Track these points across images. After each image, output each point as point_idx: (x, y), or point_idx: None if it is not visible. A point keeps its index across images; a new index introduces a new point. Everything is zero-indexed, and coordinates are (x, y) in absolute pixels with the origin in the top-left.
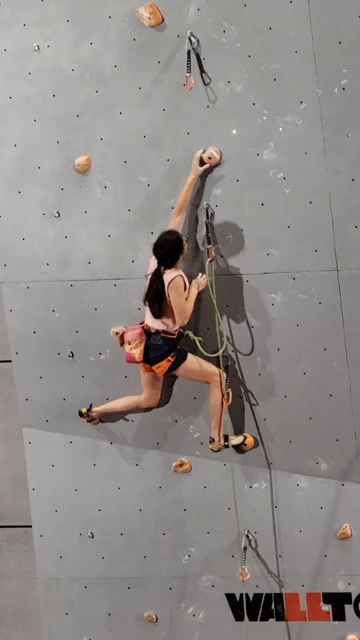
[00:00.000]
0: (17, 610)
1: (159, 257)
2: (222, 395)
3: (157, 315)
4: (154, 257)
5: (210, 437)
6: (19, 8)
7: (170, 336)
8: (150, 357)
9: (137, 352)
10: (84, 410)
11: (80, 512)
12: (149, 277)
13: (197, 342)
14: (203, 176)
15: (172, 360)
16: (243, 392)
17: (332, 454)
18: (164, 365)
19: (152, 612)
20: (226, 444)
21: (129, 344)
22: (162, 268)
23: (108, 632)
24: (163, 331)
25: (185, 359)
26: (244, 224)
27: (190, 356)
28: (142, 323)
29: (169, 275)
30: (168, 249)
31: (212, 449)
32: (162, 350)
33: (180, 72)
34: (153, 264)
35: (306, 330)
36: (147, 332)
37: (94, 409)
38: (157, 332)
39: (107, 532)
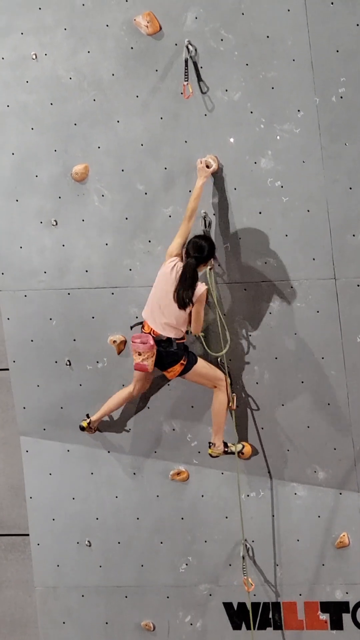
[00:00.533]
0: (14, 619)
1: (197, 250)
2: (228, 400)
3: (185, 305)
4: (177, 264)
5: (210, 442)
6: (17, 16)
7: (182, 341)
8: (165, 364)
9: (150, 362)
10: (84, 424)
11: (77, 520)
12: (177, 277)
13: (203, 341)
14: None
15: (185, 363)
16: (242, 400)
17: (330, 462)
18: (176, 369)
19: (149, 621)
20: (225, 449)
21: (139, 354)
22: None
23: None
24: (175, 338)
25: (196, 362)
26: (242, 232)
27: (200, 360)
28: (144, 329)
29: (199, 284)
30: (208, 253)
31: (210, 454)
32: (177, 356)
33: (178, 81)
34: (169, 270)
35: (304, 339)
36: (157, 341)
37: (92, 418)
38: (170, 339)
39: (105, 540)
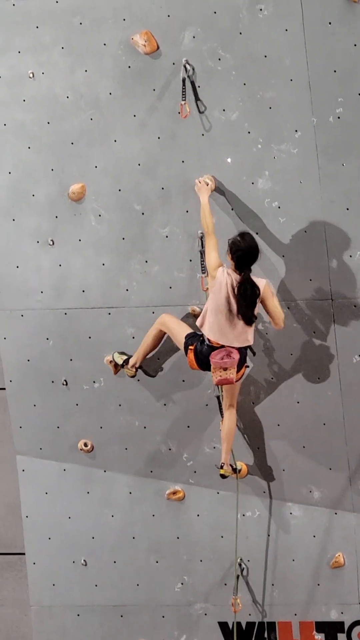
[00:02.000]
0: (10, 637)
1: (252, 261)
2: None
3: (252, 321)
4: (225, 270)
5: (222, 463)
6: (14, 35)
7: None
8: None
9: (234, 372)
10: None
11: (73, 539)
12: (233, 290)
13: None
14: (197, 204)
15: (248, 366)
16: (238, 419)
17: (325, 482)
18: (242, 372)
19: None
20: (234, 467)
21: (225, 370)
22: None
23: None
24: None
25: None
26: None
27: None
28: (220, 346)
29: (257, 280)
30: (257, 252)
31: (223, 475)
32: (245, 359)
33: (175, 100)
34: (227, 278)
35: (300, 359)
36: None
37: (130, 361)
38: (246, 347)
39: (101, 559)
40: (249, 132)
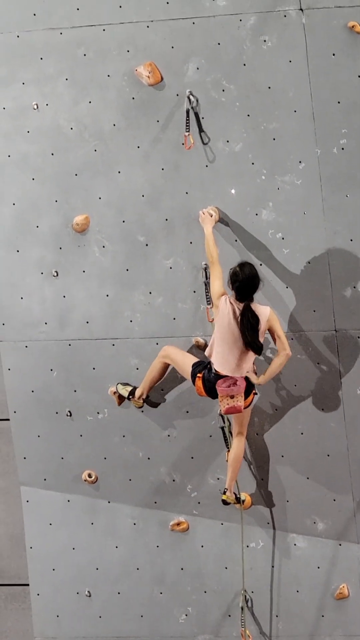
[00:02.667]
0: None
1: (252, 291)
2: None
3: (260, 350)
4: (227, 299)
5: (225, 488)
6: (18, 66)
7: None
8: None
9: (241, 399)
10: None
11: (77, 570)
12: (236, 319)
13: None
14: (201, 236)
15: (256, 393)
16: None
17: (329, 513)
18: (249, 399)
19: None
20: (237, 496)
21: (232, 398)
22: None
23: None
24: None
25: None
26: None
27: None
28: (224, 376)
29: (260, 308)
30: (257, 282)
31: (225, 500)
32: (252, 386)
33: (179, 131)
34: (229, 307)
35: (304, 391)
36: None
37: (136, 393)
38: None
39: (105, 591)
40: (252, 163)
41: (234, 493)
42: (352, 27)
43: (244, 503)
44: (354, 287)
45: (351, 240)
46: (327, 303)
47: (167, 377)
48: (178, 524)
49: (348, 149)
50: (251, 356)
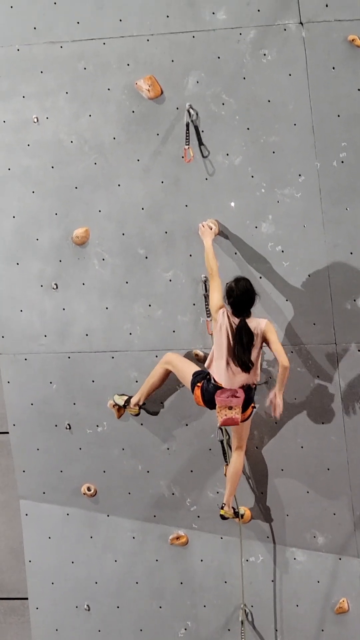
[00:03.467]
0: None
1: (248, 306)
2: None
3: (249, 368)
4: (225, 312)
5: (223, 503)
6: (19, 80)
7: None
8: (244, 407)
9: (239, 412)
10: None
11: (76, 584)
12: (230, 333)
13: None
14: (201, 248)
15: (255, 406)
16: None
17: (329, 527)
18: (248, 412)
19: None
20: (236, 511)
21: (230, 409)
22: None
23: None
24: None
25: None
26: None
27: None
28: (221, 389)
29: (255, 321)
30: (253, 296)
31: (223, 515)
32: (251, 399)
33: (179, 145)
34: (225, 321)
35: (304, 404)
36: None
37: (133, 400)
38: (250, 386)
39: (104, 604)
40: (252, 177)
41: (233, 507)
42: (352, 40)
43: (244, 517)
44: (354, 300)
45: (351, 253)
46: (327, 316)
47: (167, 388)
48: (177, 538)
49: (348, 162)
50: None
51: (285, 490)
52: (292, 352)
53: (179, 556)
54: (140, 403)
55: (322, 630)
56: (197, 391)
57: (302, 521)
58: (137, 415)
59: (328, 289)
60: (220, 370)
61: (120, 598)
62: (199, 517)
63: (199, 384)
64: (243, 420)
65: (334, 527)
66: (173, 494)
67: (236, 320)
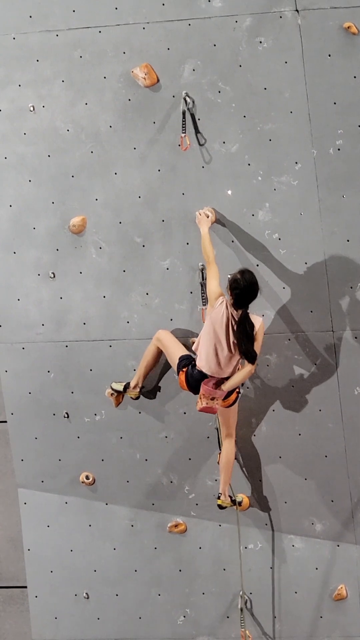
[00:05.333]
0: None
1: (252, 298)
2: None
3: (254, 359)
4: (225, 302)
5: (219, 493)
6: (14, 68)
7: None
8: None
9: (219, 403)
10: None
11: (75, 572)
12: (229, 325)
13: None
14: (198, 236)
15: (239, 392)
16: (239, 451)
17: (327, 514)
18: (232, 398)
19: None
20: (233, 499)
21: (213, 399)
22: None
23: None
24: None
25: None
26: None
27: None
28: (207, 377)
29: (252, 317)
30: (257, 289)
31: (220, 505)
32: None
33: (176, 133)
34: (225, 311)
35: (301, 391)
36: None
37: (131, 383)
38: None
39: (103, 592)
40: (249, 164)
41: (229, 496)
42: (348, 28)
43: (242, 504)
44: (351, 287)
45: (348, 240)
46: (324, 303)
47: (165, 378)
48: (176, 526)
49: (344, 150)
50: (234, 361)
51: (283, 477)
52: (289, 339)
53: (177, 544)
54: (139, 385)
55: (321, 617)
56: (182, 376)
57: (300, 508)
58: (137, 398)
59: (325, 276)
60: (207, 358)
61: (118, 586)
62: (197, 504)
63: (184, 369)
64: (228, 406)
65: (331, 514)
66: (171, 482)
67: (236, 312)
